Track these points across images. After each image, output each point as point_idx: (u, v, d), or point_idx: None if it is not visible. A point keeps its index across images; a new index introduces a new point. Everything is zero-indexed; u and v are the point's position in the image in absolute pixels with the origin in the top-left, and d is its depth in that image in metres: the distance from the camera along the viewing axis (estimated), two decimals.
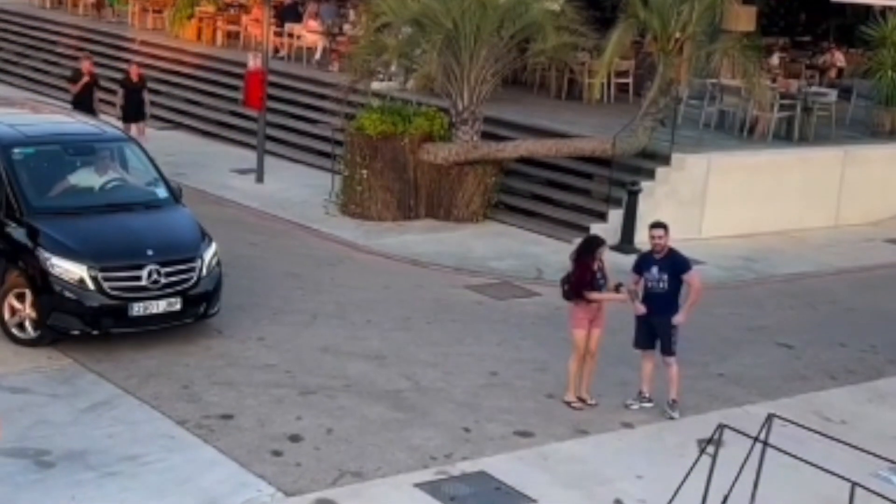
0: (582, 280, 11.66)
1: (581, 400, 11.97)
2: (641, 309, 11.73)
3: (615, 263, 16.93)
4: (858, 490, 8.43)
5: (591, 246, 11.87)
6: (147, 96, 21.21)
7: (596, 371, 12.09)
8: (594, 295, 11.67)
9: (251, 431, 10.82)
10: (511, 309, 15.19)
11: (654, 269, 11.69)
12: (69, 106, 19.61)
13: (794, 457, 8.85)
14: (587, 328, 11.78)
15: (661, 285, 11.66)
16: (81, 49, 26.52)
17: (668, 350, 11.82)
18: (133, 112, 20.90)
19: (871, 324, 15.78)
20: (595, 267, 11.70)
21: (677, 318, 11.72)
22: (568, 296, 11.83)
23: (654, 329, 11.81)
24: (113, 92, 21.92)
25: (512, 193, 19.72)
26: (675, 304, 11.75)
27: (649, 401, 12.03)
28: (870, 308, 16.61)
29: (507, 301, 15.52)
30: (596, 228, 18.27)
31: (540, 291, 15.77)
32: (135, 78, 21.11)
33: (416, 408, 11.68)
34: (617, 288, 11.76)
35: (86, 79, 20.64)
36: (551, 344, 13.57)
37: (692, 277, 11.80)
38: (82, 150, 13.89)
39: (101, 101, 21.26)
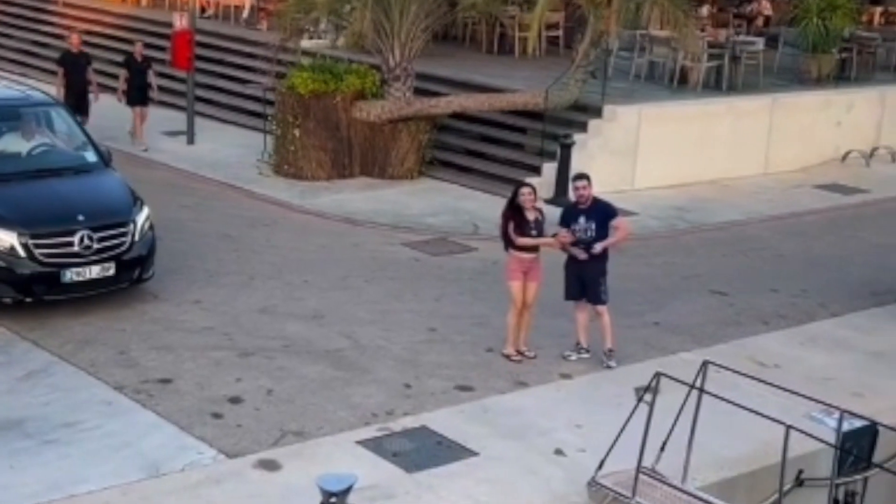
0: (506, 228, 11.69)
1: (519, 353, 12.07)
2: (583, 255, 11.74)
3: (550, 216, 17.09)
4: (793, 432, 8.63)
5: (514, 192, 11.83)
6: (153, 77, 20.04)
7: (533, 324, 12.17)
8: (522, 240, 11.65)
9: (190, 395, 10.77)
10: (448, 265, 15.23)
11: (581, 219, 11.77)
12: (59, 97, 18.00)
13: (730, 402, 9.02)
14: (522, 280, 11.81)
15: (588, 234, 11.74)
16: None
17: (596, 300, 11.92)
18: (139, 95, 19.79)
19: (801, 269, 16.06)
20: (531, 217, 11.70)
21: (595, 247, 11.69)
22: (504, 246, 11.90)
23: (584, 279, 11.92)
24: (49, 71, 21.25)
25: (446, 149, 19.71)
26: (604, 252, 11.86)
27: (587, 351, 12.14)
28: (800, 253, 16.89)
29: (443, 257, 15.55)
30: (530, 182, 18.35)
31: (476, 246, 15.82)
32: (139, 57, 19.88)
33: (356, 366, 11.70)
34: (553, 236, 11.82)
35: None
36: (489, 298, 13.64)
37: (620, 221, 11.92)
38: (8, 116, 13.63)
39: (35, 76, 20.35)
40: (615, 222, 11.86)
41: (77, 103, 18.33)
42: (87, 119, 18.40)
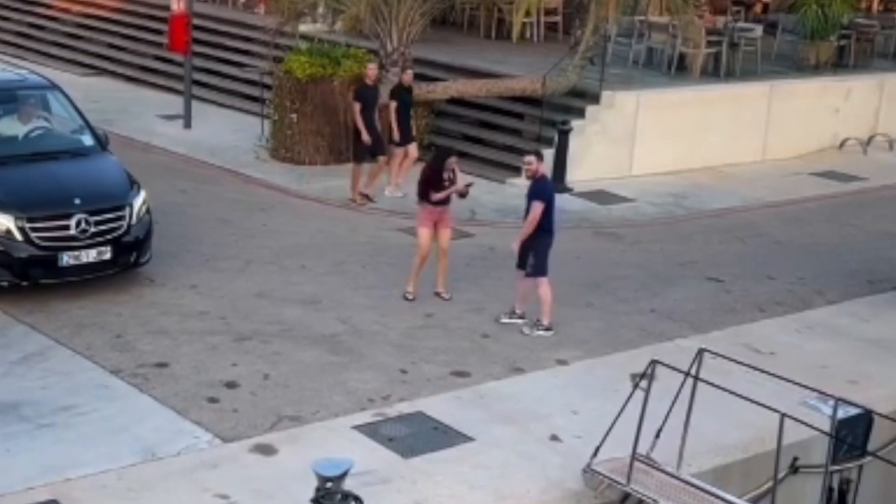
0: (426, 181, 12.67)
1: (437, 294, 13.03)
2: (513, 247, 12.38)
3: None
4: (788, 419, 8.64)
5: (441, 156, 13.06)
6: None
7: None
8: (437, 195, 12.63)
9: (186, 379, 10.78)
10: None
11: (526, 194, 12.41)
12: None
13: (725, 390, 9.03)
14: (431, 228, 12.78)
15: (526, 208, 12.25)
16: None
17: (529, 272, 12.31)
18: (409, 130, 17.12)
19: (798, 256, 16.06)
20: (445, 176, 12.66)
21: (511, 244, 12.31)
22: (419, 196, 12.85)
23: (527, 249, 12.34)
24: (45, 54, 21.14)
25: (443, 134, 19.66)
26: (538, 226, 12.11)
27: (520, 318, 12.49)
28: (797, 241, 16.89)
29: None
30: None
31: (473, 232, 15.80)
32: (408, 85, 17.24)
33: (352, 351, 11.70)
34: (466, 188, 12.88)
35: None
36: (485, 284, 13.64)
37: (533, 206, 12.13)
38: (5, 98, 13.58)
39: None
40: (531, 204, 12.20)
41: (375, 140, 16.68)
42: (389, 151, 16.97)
